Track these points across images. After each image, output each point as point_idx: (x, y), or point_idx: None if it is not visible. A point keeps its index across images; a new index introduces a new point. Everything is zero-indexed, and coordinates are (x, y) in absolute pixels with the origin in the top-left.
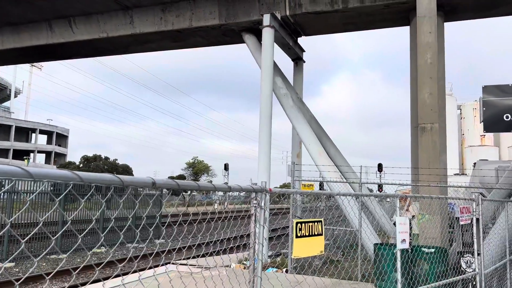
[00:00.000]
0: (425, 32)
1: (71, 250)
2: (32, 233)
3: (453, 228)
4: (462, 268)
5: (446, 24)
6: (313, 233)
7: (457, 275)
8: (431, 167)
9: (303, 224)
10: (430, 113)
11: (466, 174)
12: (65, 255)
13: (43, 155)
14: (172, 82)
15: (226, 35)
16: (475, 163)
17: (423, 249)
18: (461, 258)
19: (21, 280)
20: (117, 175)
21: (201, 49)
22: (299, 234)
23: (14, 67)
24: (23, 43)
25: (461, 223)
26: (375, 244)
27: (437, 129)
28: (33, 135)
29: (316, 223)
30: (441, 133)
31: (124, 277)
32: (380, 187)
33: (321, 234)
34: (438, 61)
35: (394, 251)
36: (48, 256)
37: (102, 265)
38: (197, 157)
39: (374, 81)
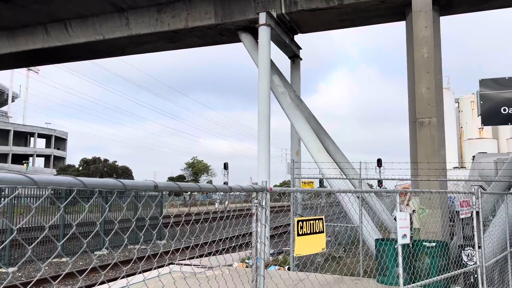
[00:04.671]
0: (421, 26)
1: (78, 254)
2: (40, 238)
3: (453, 221)
4: (463, 261)
5: (442, 18)
6: (314, 231)
7: (459, 268)
8: (430, 161)
9: (304, 222)
10: (427, 107)
11: (465, 168)
12: (67, 258)
13: (42, 159)
14: (168, 82)
15: (223, 34)
16: (474, 156)
17: (424, 243)
18: (462, 252)
19: (29, 285)
20: (120, 180)
21: (197, 48)
22: (300, 232)
23: (11, 71)
24: (19, 48)
25: (461, 216)
26: (376, 240)
27: (435, 123)
28: (32, 139)
29: (317, 221)
30: (439, 127)
31: (129, 278)
32: (380, 182)
33: (322, 232)
34: (435, 55)
35: (395, 246)
36: (51, 260)
37: (108, 268)
38: (196, 157)
39: (371, 77)
